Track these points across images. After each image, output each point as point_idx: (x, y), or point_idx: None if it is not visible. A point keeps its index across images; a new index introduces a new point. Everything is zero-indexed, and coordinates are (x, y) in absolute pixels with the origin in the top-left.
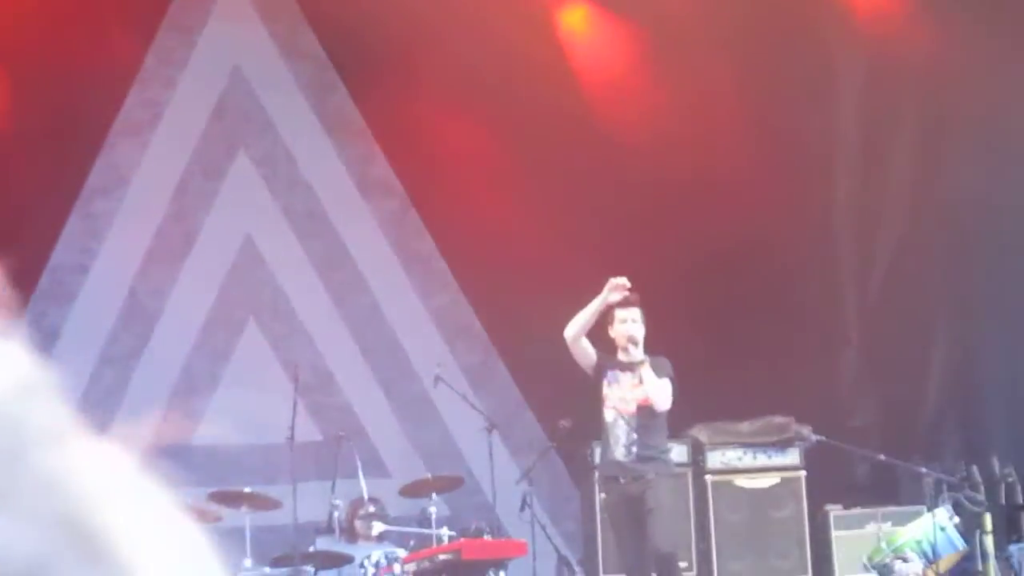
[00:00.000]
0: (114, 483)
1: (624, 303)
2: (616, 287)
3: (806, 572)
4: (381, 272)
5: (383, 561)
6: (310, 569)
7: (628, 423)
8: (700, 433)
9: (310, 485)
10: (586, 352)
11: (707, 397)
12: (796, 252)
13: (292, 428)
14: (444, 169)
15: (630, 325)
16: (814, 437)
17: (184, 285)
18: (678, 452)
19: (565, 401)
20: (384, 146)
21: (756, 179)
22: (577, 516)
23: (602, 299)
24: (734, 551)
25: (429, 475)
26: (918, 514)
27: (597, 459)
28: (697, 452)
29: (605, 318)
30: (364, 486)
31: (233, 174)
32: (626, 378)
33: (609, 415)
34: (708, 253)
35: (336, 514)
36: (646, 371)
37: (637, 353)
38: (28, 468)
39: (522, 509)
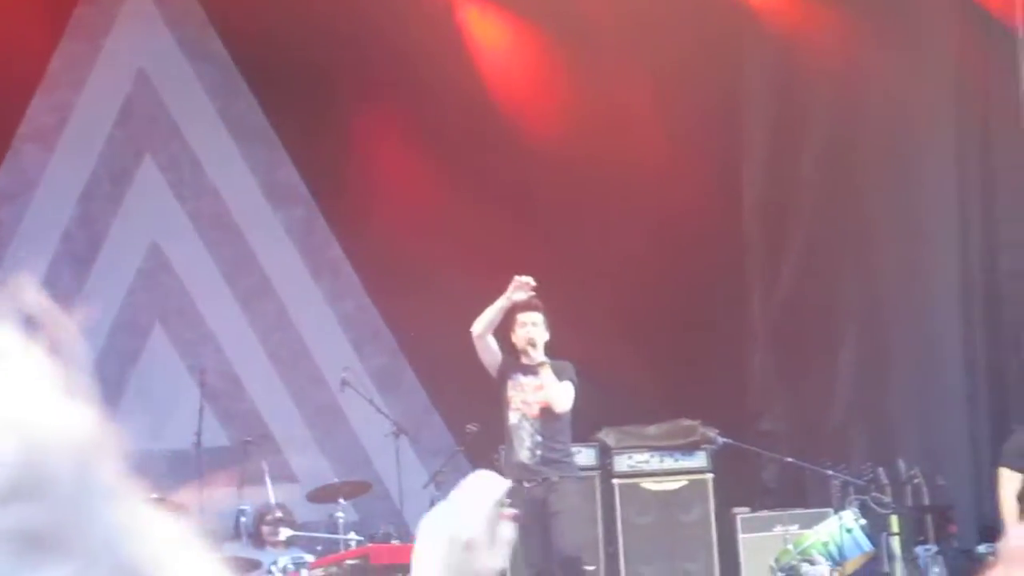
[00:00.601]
0: (171, 543)
1: (525, 307)
2: (520, 285)
3: (714, 575)
4: (288, 277)
5: (290, 567)
6: None
7: (532, 425)
8: (607, 436)
9: (217, 491)
10: (491, 351)
11: (614, 400)
12: (706, 253)
13: (199, 433)
14: (352, 174)
15: (530, 328)
16: (721, 440)
17: (90, 291)
18: (586, 455)
19: (473, 405)
20: (291, 151)
21: (665, 180)
22: None
23: (507, 297)
24: (642, 555)
25: (337, 480)
26: (825, 516)
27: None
28: (605, 455)
29: (508, 323)
30: (271, 492)
31: (139, 179)
32: (529, 381)
33: (513, 417)
34: (616, 255)
35: (243, 520)
36: (546, 372)
37: (537, 355)
38: (93, 519)
39: None
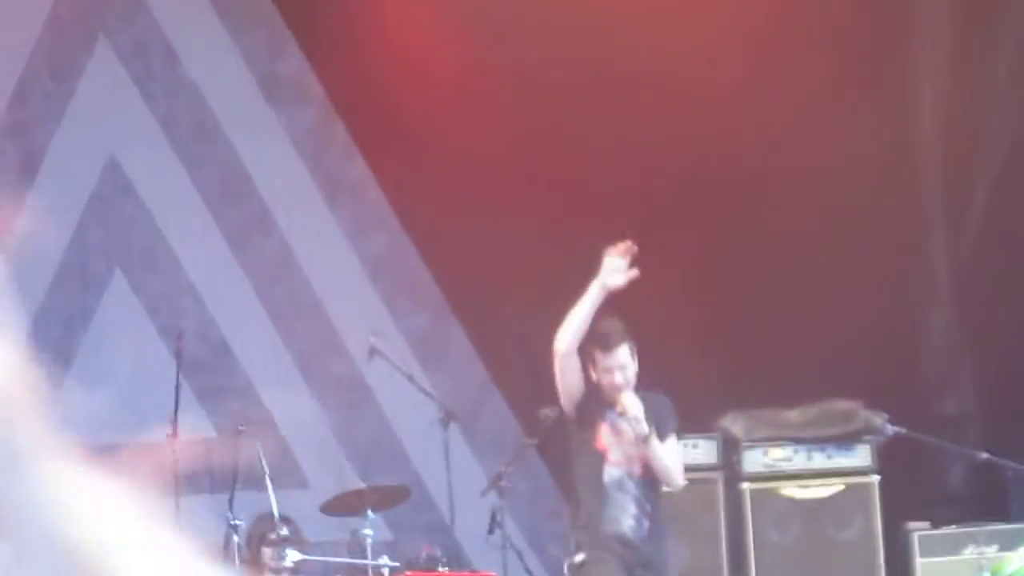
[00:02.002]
0: (116, 525)
1: (605, 344)
2: (615, 268)
3: None
4: (295, 205)
5: None
6: None
7: (638, 488)
8: (734, 424)
9: (200, 499)
10: (577, 374)
11: (743, 375)
12: (863, 178)
13: (175, 421)
14: (381, 66)
15: (616, 376)
16: (891, 429)
17: (27, 226)
18: (704, 450)
19: (548, 381)
20: (299, 34)
21: (810, 86)
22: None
23: (601, 283)
24: None
25: (362, 485)
26: None
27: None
28: (730, 450)
29: (585, 345)
30: (273, 500)
31: (91, 73)
32: (628, 426)
33: (613, 473)
34: (739, 180)
35: (235, 539)
36: (656, 446)
37: (640, 427)
38: (24, 498)
39: (491, 531)
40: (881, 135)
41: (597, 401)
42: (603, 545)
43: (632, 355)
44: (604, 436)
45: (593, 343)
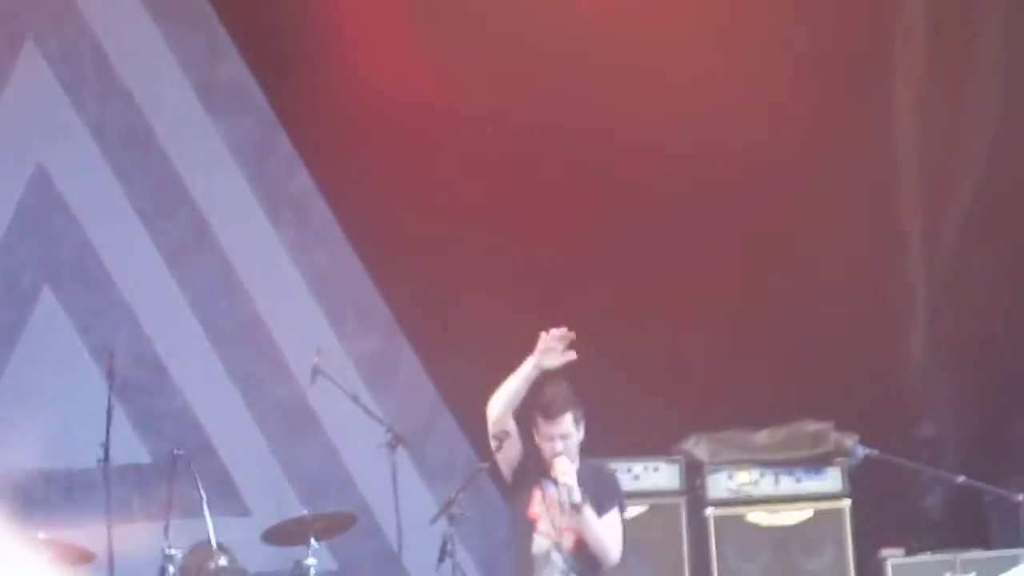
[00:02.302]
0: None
1: (547, 411)
2: (551, 347)
3: None
4: (234, 219)
5: None
6: None
7: (567, 561)
8: (698, 447)
9: (133, 528)
10: (510, 441)
11: (707, 395)
12: (836, 191)
13: (106, 445)
14: (325, 73)
15: (558, 445)
16: (863, 451)
17: None
18: (666, 474)
19: None
20: (239, 40)
21: (781, 91)
22: None
23: (535, 363)
24: None
25: (306, 512)
26: (1016, 562)
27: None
28: (694, 474)
29: (528, 408)
30: (211, 528)
31: (18, 78)
32: (559, 493)
33: (540, 544)
34: (708, 190)
35: (171, 569)
36: (589, 517)
37: (574, 495)
38: None
39: (441, 559)
40: (858, 154)
41: (535, 467)
42: None
43: (577, 424)
44: (536, 504)
45: (536, 409)
